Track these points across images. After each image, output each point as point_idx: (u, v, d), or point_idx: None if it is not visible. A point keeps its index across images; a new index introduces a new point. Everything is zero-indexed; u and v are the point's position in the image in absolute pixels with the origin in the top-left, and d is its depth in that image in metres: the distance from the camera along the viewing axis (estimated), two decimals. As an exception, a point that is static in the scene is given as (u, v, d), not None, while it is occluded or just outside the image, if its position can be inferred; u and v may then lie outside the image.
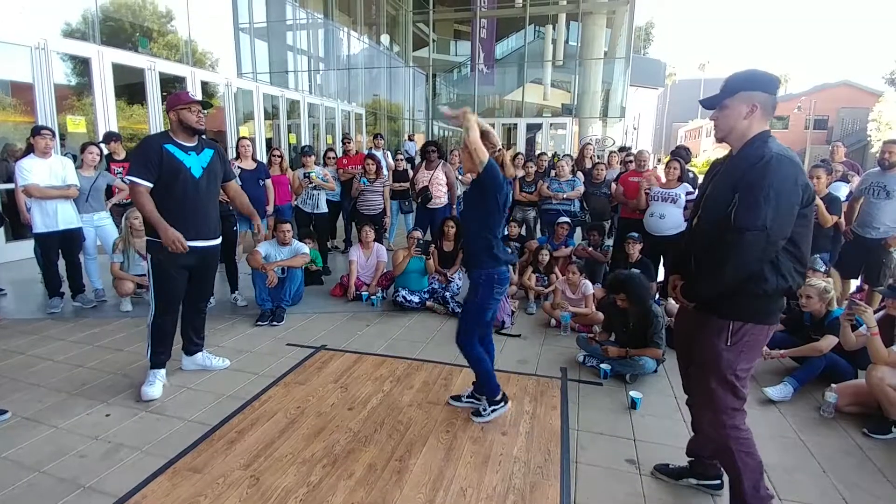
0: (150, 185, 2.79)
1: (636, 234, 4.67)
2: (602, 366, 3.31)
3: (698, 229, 1.95)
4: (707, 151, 36.13)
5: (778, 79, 1.86)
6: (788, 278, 1.79)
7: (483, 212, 2.56)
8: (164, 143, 2.85)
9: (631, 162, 5.92)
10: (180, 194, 2.85)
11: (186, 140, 2.92)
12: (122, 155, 5.88)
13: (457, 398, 2.93)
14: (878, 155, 4.47)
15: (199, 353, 3.35)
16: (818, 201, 4.22)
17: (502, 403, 2.74)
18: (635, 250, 4.63)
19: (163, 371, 3.08)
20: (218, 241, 3.12)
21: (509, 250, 2.75)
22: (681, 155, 5.61)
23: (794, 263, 1.79)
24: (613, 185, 5.72)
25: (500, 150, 2.63)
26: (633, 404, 2.91)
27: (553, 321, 4.27)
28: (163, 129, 3.02)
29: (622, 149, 9.39)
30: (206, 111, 2.97)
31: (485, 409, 2.73)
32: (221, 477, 2.23)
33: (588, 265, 5.15)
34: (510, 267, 2.71)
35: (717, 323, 1.86)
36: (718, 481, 2.20)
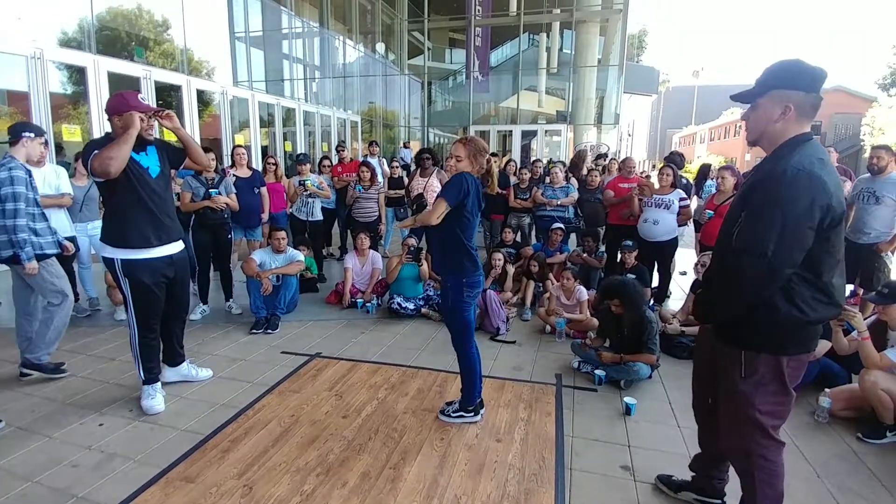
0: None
1: (630, 243, 4.69)
2: (597, 372, 3.32)
3: (717, 246, 1.82)
4: (701, 157, 36.36)
5: (822, 73, 1.58)
6: (806, 309, 1.56)
7: (452, 218, 2.55)
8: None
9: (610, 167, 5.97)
10: (146, 195, 2.72)
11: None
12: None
13: (445, 413, 2.84)
14: (866, 161, 4.52)
15: (184, 364, 3.29)
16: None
17: (472, 414, 2.77)
18: (631, 258, 4.65)
19: (159, 384, 3.04)
20: (181, 245, 3.00)
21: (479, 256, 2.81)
22: (674, 161, 5.66)
23: (814, 292, 1.56)
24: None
25: (489, 158, 2.68)
26: (628, 410, 2.91)
27: (548, 327, 4.28)
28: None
29: (600, 156, 9.45)
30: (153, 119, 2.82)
31: (455, 412, 2.76)
32: (214, 486, 2.22)
33: (582, 271, 5.17)
34: (482, 272, 2.75)
35: (731, 352, 1.70)
36: (720, 501, 2.10)
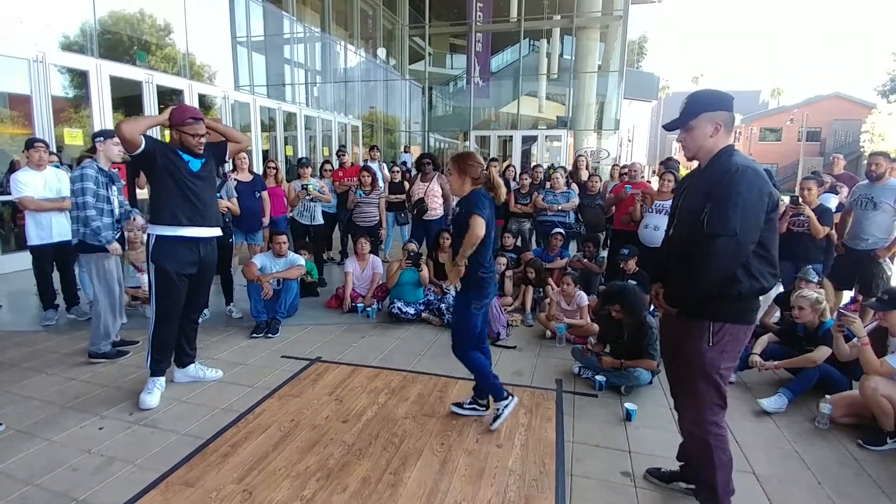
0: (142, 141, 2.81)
1: (626, 251, 4.69)
2: (597, 377, 3.32)
3: (674, 239, 2.08)
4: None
5: (732, 97, 1.99)
6: (761, 279, 1.91)
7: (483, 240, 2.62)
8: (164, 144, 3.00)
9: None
10: (182, 183, 2.93)
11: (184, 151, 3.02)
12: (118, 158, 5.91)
13: (459, 405, 2.95)
14: (865, 167, 4.54)
15: (192, 365, 3.34)
16: (809, 212, 4.28)
17: (510, 398, 2.81)
18: (630, 265, 4.65)
19: (162, 379, 3.09)
20: (216, 232, 3.15)
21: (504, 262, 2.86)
22: (671, 166, 5.67)
23: (765, 266, 1.91)
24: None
25: (485, 170, 2.72)
26: (629, 416, 2.91)
27: (548, 333, 4.28)
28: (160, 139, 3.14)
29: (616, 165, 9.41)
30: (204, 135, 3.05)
31: (498, 411, 2.78)
32: (214, 491, 2.21)
33: (583, 276, 5.17)
34: (494, 286, 2.84)
35: (699, 325, 1.97)
36: None
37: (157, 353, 3.06)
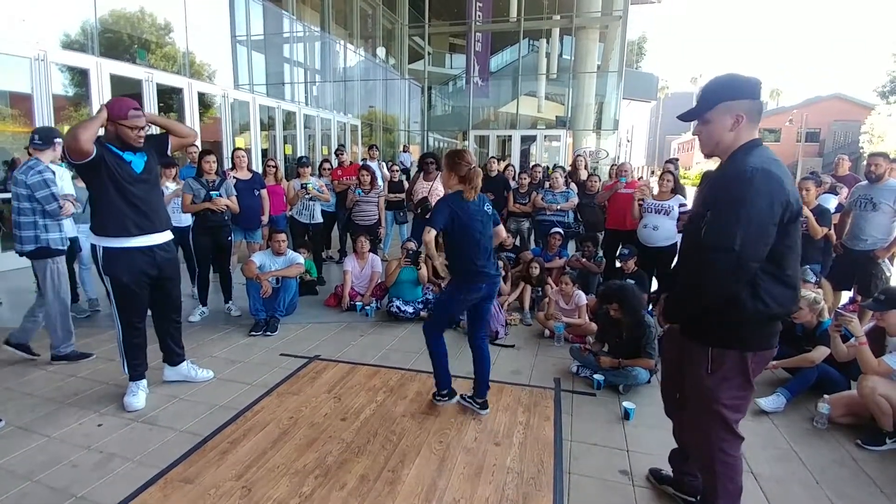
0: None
1: (626, 252, 4.69)
2: (595, 376, 3.32)
3: (682, 247, 1.94)
4: (700, 164, 36.44)
5: (759, 81, 1.69)
6: (771, 303, 1.64)
7: (457, 239, 2.76)
8: (104, 142, 2.75)
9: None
10: (126, 188, 2.76)
11: (120, 147, 2.81)
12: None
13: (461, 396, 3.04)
14: (864, 168, 4.55)
15: (184, 364, 3.28)
16: (807, 213, 4.28)
17: (448, 398, 2.99)
18: (629, 265, 4.66)
19: (144, 381, 3.05)
20: (168, 236, 3.00)
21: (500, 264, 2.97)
22: (670, 167, 5.68)
23: (779, 287, 1.64)
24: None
25: (473, 167, 2.77)
26: (627, 415, 2.91)
27: (546, 332, 4.28)
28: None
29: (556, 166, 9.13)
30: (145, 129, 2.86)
31: (436, 398, 2.97)
32: (213, 488, 2.22)
33: (581, 276, 5.18)
34: (491, 285, 2.94)
35: (698, 349, 1.77)
36: (694, 500, 2.15)
37: (130, 358, 2.98)
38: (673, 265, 2.19)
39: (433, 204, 3.17)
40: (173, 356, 3.26)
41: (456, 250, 2.81)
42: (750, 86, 1.68)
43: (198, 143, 8.63)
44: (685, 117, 1.83)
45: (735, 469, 1.83)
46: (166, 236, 3.00)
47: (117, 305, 2.90)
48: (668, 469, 2.32)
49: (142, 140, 2.84)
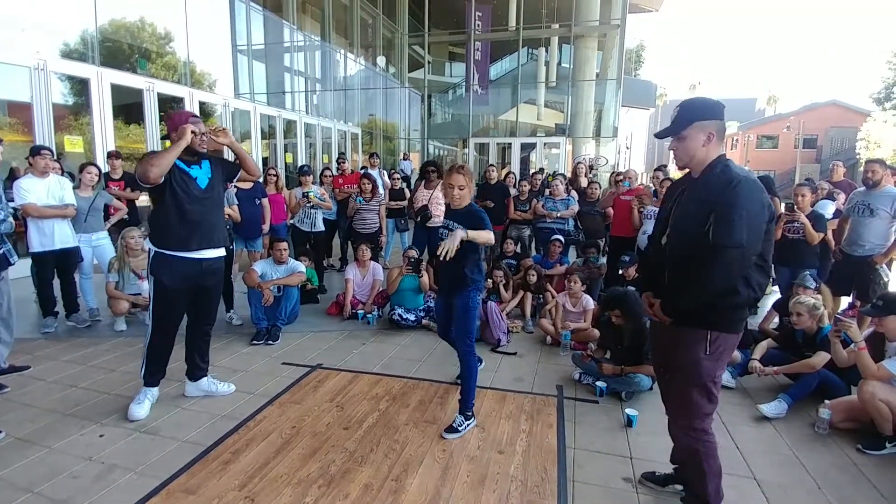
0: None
1: (627, 259, 4.70)
2: (598, 383, 3.32)
3: (669, 247, 2.04)
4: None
5: (723, 105, 1.98)
6: (757, 290, 1.92)
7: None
8: None
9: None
10: (188, 202, 2.84)
11: (185, 157, 2.89)
12: (119, 174, 5.95)
13: (452, 430, 2.79)
14: (861, 174, 4.58)
15: (204, 379, 3.26)
16: (804, 219, 4.32)
17: (473, 419, 2.87)
18: (630, 272, 4.67)
19: (155, 390, 3.05)
20: (221, 252, 3.07)
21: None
22: (666, 173, 5.72)
23: (762, 276, 1.92)
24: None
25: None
26: (629, 422, 2.91)
27: (548, 338, 4.29)
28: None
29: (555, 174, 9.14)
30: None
31: (461, 424, 2.80)
32: (216, 498, 2.21)
33: (584, 281, 5.17)
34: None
35: (696, 334, 1.96)
36: None
37: (150, 364, 2.99)
38: (639, 269, 2.35)
39: (433, 212, 3.19)
40: (196, 371, 3.23)
41: (475, 253, 2.86)
42: (718, 108, 1.96)
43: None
44: (662, 135, 2.03)
45: (714, 447, 2.07)
46: (220, 252, 3.06)
47: (154, 308, 2.94)
48: (660, 470, 2.39)
49: (205, 145, 2.93)
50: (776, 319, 4.05)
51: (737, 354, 3.44)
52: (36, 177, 4.17)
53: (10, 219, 3.36)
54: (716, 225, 1.81)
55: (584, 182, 6.91)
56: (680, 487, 2.29)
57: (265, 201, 5.47)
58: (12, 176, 6.05)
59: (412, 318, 4.65)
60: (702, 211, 1.87)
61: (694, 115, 1.94)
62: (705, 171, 1.95)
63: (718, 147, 1.95)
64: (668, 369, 2.15)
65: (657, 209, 4.78)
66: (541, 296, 4.98)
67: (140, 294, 4.54)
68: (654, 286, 2.12)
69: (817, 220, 4.37)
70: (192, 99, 8.95)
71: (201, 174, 2.95)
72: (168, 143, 2.93)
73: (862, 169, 4.54)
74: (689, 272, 1.90)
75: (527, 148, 18.28)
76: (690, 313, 1.96)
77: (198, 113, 8.87)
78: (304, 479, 2.36)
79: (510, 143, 18.16)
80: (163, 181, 2.76)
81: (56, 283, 4.46)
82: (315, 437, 2.73)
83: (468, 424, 2.83)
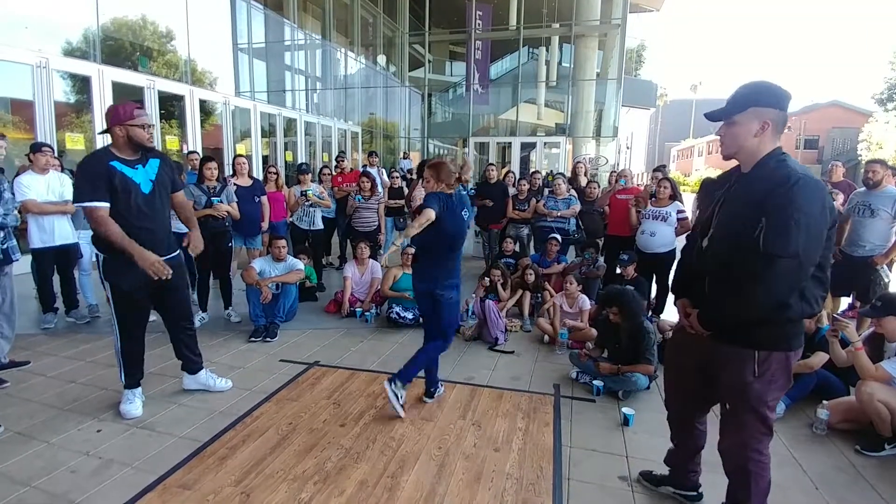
0: (108, 206, 2.60)
1: (625, 257, 4.70)
2: (595, 382, 3.32)
3: (711, 251, 1.80)
4: (699, 171, 36.49)
5: (790, 94, 1.72)
6: (813, 304, 1.69)
7: (439, 236, 2.92)
8: (110, 161, 2.66)
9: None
10: (131, 213, 2.67)
11: (130, 155, 2.74)
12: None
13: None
14: (862, 175, 4.57)
15: (203, 371, 3.24)
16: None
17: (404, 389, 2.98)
18: (629, 271, 4.67)
19: (139, 389, 3.02)
20: (174, 253, 2.93)
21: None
22: (665, 173, 5.73)
23: (819, 289, 1.70)
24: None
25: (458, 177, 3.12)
26: (626, 421, 2.91)
27: (546, 337, 4.29)
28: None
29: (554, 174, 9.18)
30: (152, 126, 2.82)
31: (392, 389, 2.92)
32: (212, 493, 2.21)
33: (582, 281, 5.17)
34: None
35: (741, 353, 1.74)
36: (695, 493, 2.22)
37: (126, 366, 2.94)
38: (674, 273, 2.15)
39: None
40: (190, 363, 3.21)
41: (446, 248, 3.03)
42: (783, 96, 1.71)
43: (199, 149, 8.69)
44: (713, 116, 1.79)
45: (766, 466, 1.87)
46: (173, 255, 2.92)
47: (116, 313, 2.86)
48: (658, 470, 2.36)
49: (152, 139, 2.78)
50: (803, 326, 4.03)
51: None
52: (36, 173, 4.18)
53: (16, 212, 3.36)
54: (768, 230, 1.57)
55: (583, 181, 6.91)
56: (672, 490, 2.26)
57: (264, 199, 5.47)
58: (19, 174, 6.05)
59: (410, 316, 4.65)
60: (751, 213, 1.63)
61: (750, 98, 1.70)
62: (757, 166, 1.71)
63: (774, 140, 1.70)
64: (707, 384, 1.92)
65: (655, 209, 4.80)
66: (539, 295, 4.98)
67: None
68: (691, 294, 1.90)
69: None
70: (192, 97, 8.96)
71: (145, 179, 2.75)
72: (109, 135, 2.72)
73: (863, 169, 4.54)
74: (734, 282, 1.66)
75: (527, 147, 18.27)
76: (733, 329, 1.74)
77: (198, 110, 8.93)
78: (300, 475, 2.36)
79: (510, 143, 18.15)
80: (107, 191, 2.60)
81: (56, 279, 4.47)
82: (311, 434, 2.74)
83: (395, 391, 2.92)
